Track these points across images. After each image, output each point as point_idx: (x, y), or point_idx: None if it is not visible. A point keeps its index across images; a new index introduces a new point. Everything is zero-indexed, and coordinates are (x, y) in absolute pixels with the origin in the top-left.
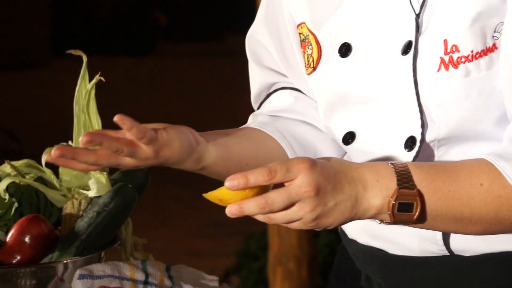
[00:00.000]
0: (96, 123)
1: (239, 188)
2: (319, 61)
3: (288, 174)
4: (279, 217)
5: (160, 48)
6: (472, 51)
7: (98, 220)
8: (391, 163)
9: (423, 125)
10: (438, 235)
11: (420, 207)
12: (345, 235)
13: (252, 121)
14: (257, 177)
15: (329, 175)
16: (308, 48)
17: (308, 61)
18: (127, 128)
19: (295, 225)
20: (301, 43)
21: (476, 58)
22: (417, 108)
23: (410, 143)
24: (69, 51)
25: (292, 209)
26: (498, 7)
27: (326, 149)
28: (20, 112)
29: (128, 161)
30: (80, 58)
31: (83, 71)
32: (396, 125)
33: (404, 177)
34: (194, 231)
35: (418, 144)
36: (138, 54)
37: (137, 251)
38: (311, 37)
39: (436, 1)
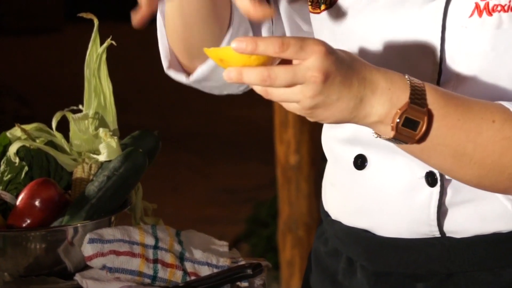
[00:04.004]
0: (107, 87)
1: (246, 52)
2: None
3: (301, 53)
4: (277, 94)
5: None
6: (510, 1)
7: (108, 184)
8: (407, 76)
9: (440, 73)
10: (432, 215)
11: (425, 128)
12: (328, 215)
13: None
14: (268, 45)
15: (342, 67)
16: None
17: None
18: None
19: (290, 107)
20: None
21: None
22: (438, 54)
23: None
24: (80, 14)
25: (293, 89)
26: None
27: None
28: (31, 77)
29: None
30: (92, 24)
31: (94, 35)
32: (410, 68)
33: (417, 93)
34: (205, 198)
35: None
36: (151, 20)
37: (147, 216)
38: None
39: None
